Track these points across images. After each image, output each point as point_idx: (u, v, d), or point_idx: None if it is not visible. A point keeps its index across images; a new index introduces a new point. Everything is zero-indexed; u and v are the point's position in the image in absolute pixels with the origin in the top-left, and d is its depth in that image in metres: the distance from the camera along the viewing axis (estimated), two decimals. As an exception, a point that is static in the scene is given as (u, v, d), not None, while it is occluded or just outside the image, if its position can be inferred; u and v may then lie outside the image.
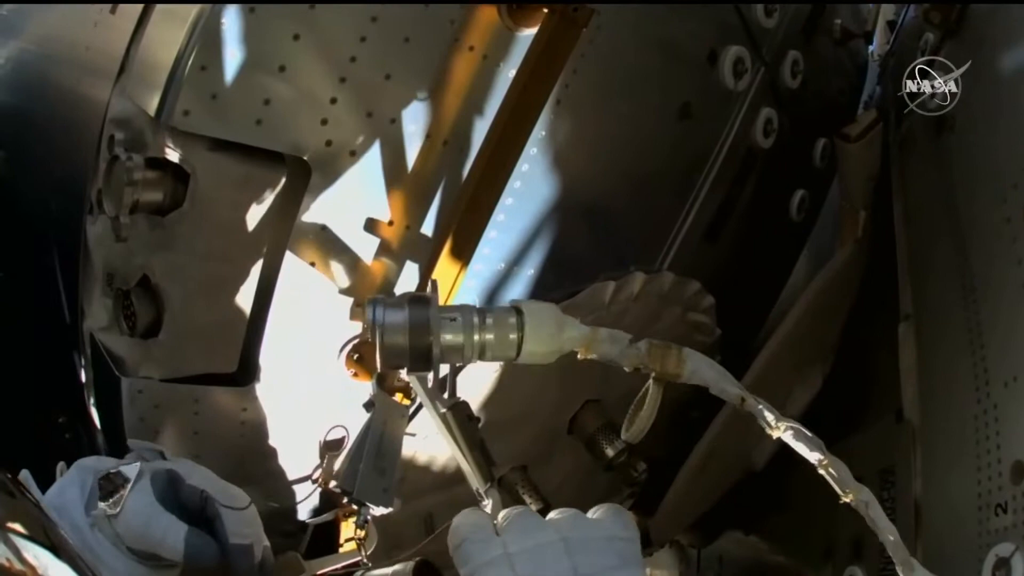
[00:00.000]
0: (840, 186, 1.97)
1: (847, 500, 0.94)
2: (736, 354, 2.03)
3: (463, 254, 1.47)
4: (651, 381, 1.00)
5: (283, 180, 1.47)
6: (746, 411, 0.98)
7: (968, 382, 1.62)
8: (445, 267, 1.47)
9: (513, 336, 0.96)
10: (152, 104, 1.40)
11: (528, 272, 1.72)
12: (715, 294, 1.92)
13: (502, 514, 0.91)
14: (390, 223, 1.55)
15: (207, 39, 1.36)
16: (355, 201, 1.53)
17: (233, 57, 1.37)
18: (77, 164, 1.68)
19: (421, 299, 0.99)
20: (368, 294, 1.62)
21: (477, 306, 1.05)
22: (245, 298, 1.53)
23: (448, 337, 0.97)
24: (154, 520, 1.02)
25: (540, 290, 1.73)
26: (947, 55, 1.89)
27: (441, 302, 1.50)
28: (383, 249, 1.57)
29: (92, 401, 1.86)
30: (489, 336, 0.97)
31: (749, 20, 1.86)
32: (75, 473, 1.06)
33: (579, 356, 1.00)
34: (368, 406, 1.43)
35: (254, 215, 1.47)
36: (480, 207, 1.45)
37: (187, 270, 1.49)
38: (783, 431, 0.95)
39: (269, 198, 1.47)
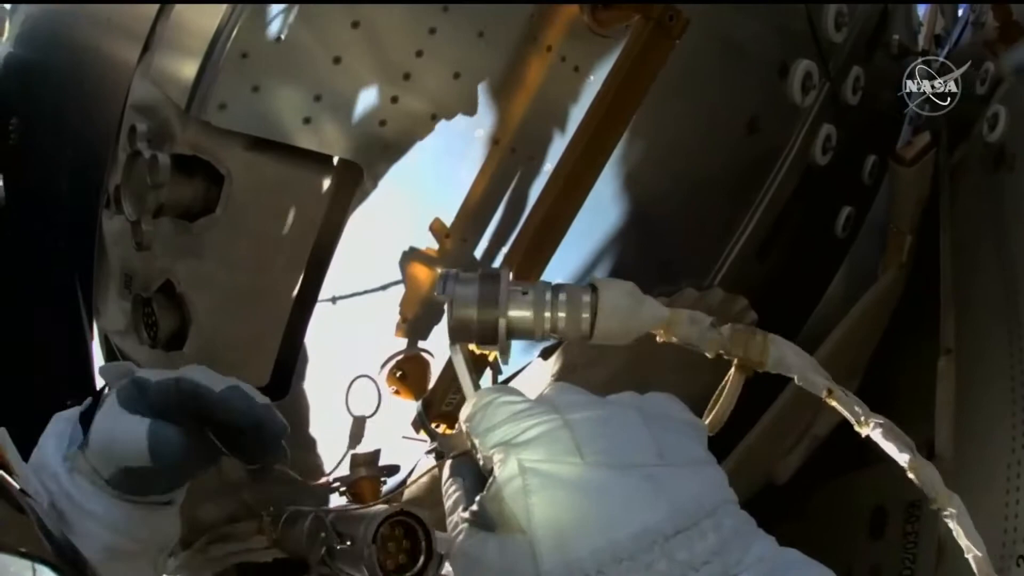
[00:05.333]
0: (889, 208, 1.72)
1: (935, 508, 0.77)
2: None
3: (529, 278, 1.17)
4: (733, 370, 0.83)
5: (331, 186, 1.14)
6: (833, 402, 0.79)
7: (1006, 429, 1.43)
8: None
9: (586, 315, 0.79)
10: (181, 93, 1.05)
11: (584, 289, 1.43)
12: (755, 308, 1.67)
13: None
14: (447, 235, 1.24)
15: (250, 20, 1.01)
16: (410, 211, 1.21)
17: (281, 44, 1.02)
18: (95, 139, 1.32)
19: (493, 275, 0.82)
20: (415, 310, 1.33)
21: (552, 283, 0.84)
22: (282, 310, 1.21)
23: (518, 313, 0.80)
24: (117, 428, 0.75)
25: (593, 307, 1.45)
26: (1008, 90, 1.62)
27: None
28: (437, 262, 1.27)
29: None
30: (561, 314, 0.79)
31: (819, 33, 1.56)
32: (52, 424, 0.81)
33: (658, 339, 0.83)
34: (437, 456, 1.15)
35: (296, 223, 1.14)
36: (554, 229, 1.15)
37: (217, 280, 1.16)
38: (871, 428, 0.78)
39: (314, 206, 1.14)
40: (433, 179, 1.18)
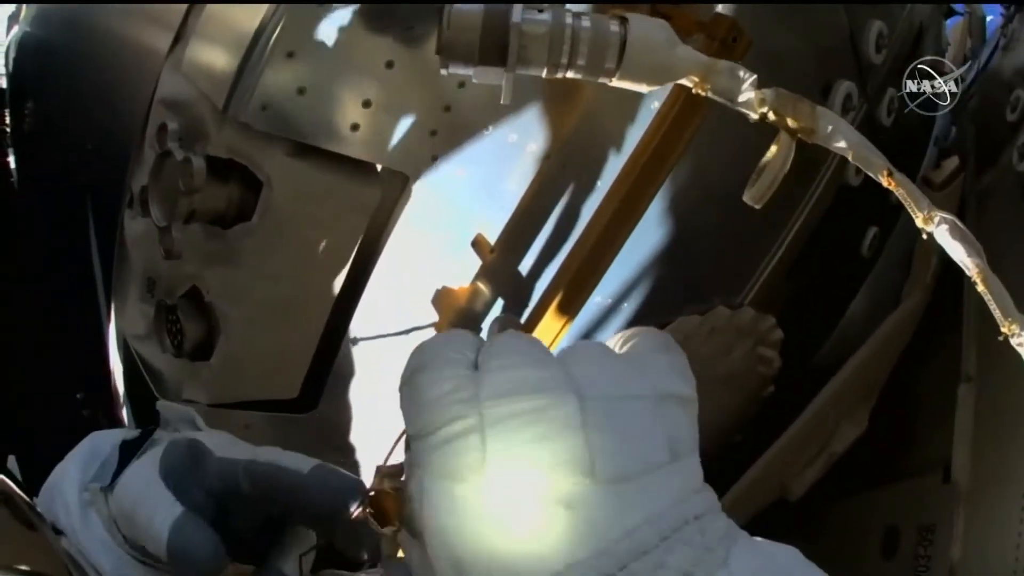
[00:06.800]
0: (918, 231, 1.64)
1: (1004, 331, 0.68)
2: (789, 383, 1.74)
3: (571, 307, 1.08)
4: (781, 134, 0.73)
5: (376, 197, 1.04)
6: (893, 187, 0.69)
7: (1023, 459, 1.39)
8: (549, 322, 1.08)
9: (614, 42, 0.66)
10: (218, 91, 0.93)
11: (623, 305, 1.34)
12: (779, 326, 1.61)
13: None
14: (491, 251, 1.15)
15: (296, 16, 0.90)
16: (454, 225, 1.11)
17: (330, 44, 0.91)
18: (117, 131, 1.20)
19: None
20: (450, 320, 1.23)
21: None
22: (317, 323, 1.11)
23: (531, 29, 0.66)
24: (147, 496, 0.56)
25: (631, 323, 1.37)
26: (1039, 117, 1.55)
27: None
28: (478, 278, 1.17)
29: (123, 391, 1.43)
30: (584, 37, 0.67)
31: (861, 54, 1.47)
32: (85, 444, 0.64)
33: (693, 89, 0.70)
34: None
35: (337, 234, 1.04)
36: (601, 257, 1.06)
37: (251, 291, 1.05)
38: (936, 224, 0.66)
39: (357, 217, 1.03)
40: (483, 192, 1.08)
